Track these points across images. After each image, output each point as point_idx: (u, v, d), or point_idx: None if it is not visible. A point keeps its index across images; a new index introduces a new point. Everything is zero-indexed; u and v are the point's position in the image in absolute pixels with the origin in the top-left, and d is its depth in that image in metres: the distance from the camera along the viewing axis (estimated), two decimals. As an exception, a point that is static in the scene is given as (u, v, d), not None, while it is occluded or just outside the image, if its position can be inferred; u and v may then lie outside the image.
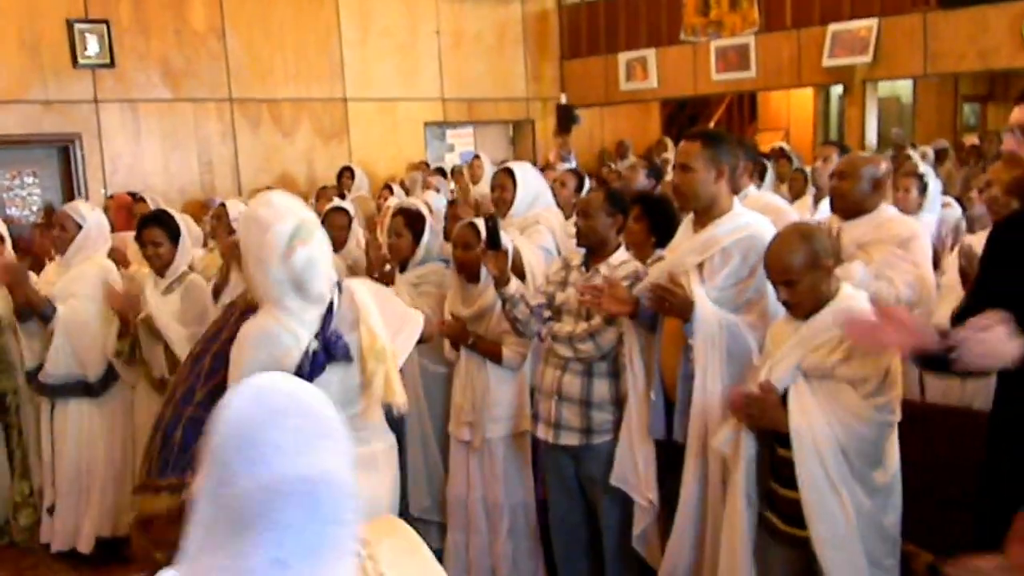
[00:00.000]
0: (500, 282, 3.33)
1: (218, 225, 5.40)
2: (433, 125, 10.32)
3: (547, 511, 3.58)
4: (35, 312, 4.07)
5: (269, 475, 1.00)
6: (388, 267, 3.92)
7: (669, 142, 9.31)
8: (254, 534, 1.00)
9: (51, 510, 4.23)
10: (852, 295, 2.54)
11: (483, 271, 3.56)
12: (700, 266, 2.87)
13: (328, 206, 5.08)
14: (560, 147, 5.30)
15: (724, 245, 2.83)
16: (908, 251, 3.26)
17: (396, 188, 7.11)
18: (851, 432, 2.40)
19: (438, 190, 7.02)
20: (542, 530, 3.67)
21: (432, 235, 3.95)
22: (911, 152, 6.95)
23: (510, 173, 4.30)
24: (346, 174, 8.43)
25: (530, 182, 4.30)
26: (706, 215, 2.89)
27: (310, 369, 2.34)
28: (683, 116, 12.62)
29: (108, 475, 4.17)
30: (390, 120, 9.74)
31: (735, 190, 3.06)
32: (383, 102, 9.66)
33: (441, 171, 8.80)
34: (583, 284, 3.14)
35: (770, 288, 2.71)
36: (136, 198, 7.01)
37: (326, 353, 2.36)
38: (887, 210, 3.42)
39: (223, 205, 5.53)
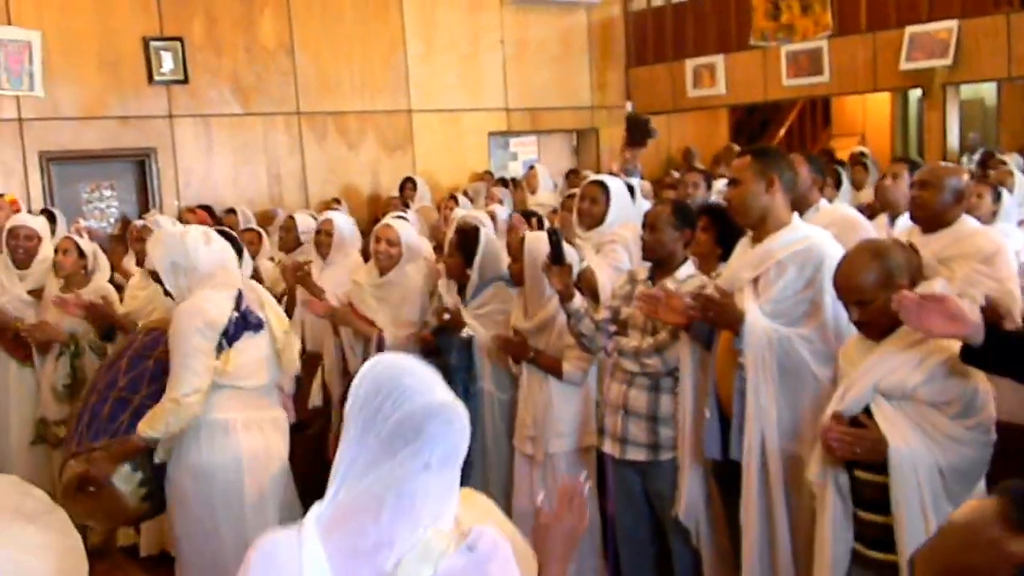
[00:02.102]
0: (564, 297, 3.30)
1: (287, 237, 5.48)
2: (497, 135, 10.32)
3: (614, 527, 3.51)
4: (125, 334, 4.17)
5: (418, 404, 1.41)
6: (450, 305, 3.89)
7: (737, 149, 9.11)
8: (409, 448, 1.38)
9: None
10: None
11: (543, 284, 3.53)
12: (756, 281, 2.82)
13: (389, 216, 5.10)
14: (627, 161, 5.15)
15: (779, 258, 2.78)
16: (992, 267, 3.12)
17: (462, 199, 7.08)
18: (950, 453, 2.30)
19: (501, 201, 6.98)
20: (608, 547, 3.60)
21: (487, 254, 3.87)
22: (1005, 158, 6.61)
23: (603, 186, 4.07)
24: (408, 185, 8.47)
25: (623, 198, 4.09)
26: (762, 229, 2.86)
27: (234, 332, 3.01)
28: (753, 122, 12.37)
29: None
30: (454, 131, 9.76)
31: (803, 205, 2.99)
32: (447, 113, 9.70)
33: (503, 181, 8.77)
34: (641, 292, 3.09)
35: (829, 300, 2.65)
36: (228, 211, 7.25)
37: (244, 321, 3.05)
38: (969, 222, 3.27)
39: (292, 218, 5.61)
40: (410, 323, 4.12)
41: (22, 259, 4.54)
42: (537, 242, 3.55)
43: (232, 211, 7.22)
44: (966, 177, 3.35)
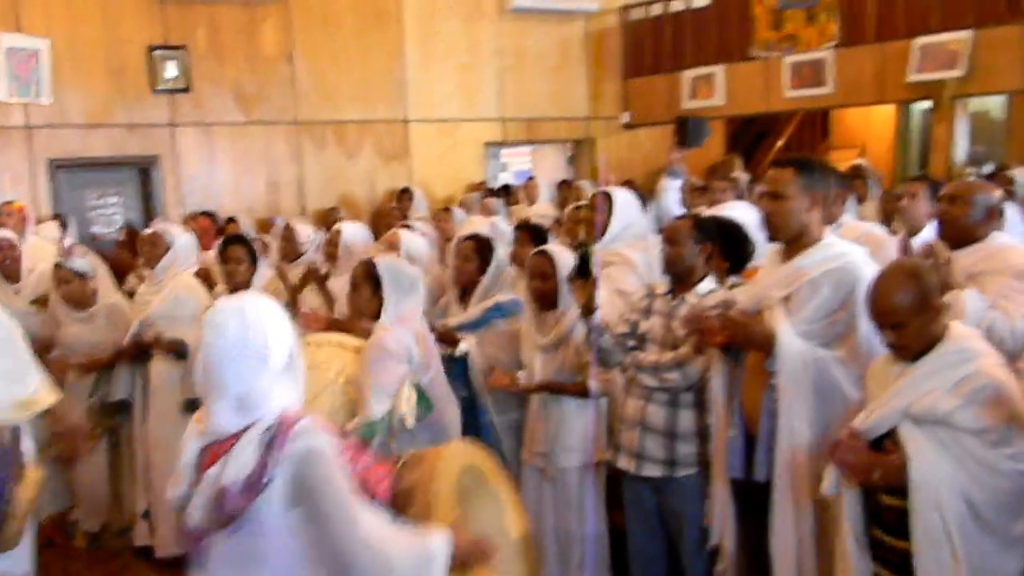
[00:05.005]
0: (586, 311, 3.24)
1: (287, 246, 5.43)
2: (493, 145, 10.26)
3: (621, 543, 3.49)
4: (174, 351, 4.15)
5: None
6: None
7: (738, 161, 9.06)
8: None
9: (145, 515, 4.34)
10: (964, 335, 2.36)
11: (561, 298, 3.51)
12: (788, 299, 2.72)
13: (398, 224, 5.14)
14: (674, 163, 4.96)
15: (812, 276, 2.69)
16: (1025, 283, 3.04)
17: (458, 211, 7.02)
18: (983, 485, 2.22)
19: (496, 213, 6.92)
20: (615, 562, 3.59)
21: (499, 267, 3.91)
22: (1014, 174, 6.55)
23: (608, 197, 4.05)
24: (405, 195, 8.41)
25: (628, 210, 4.05)
26: (795, 245, 2.75)
27: None
28: (750, 134, 12.33)
29: None
30: (450, 141, 9.71)
31: (829, 220, 2.93)
32: (443, 123, 9.65)
33: (496, 192, 8.68)
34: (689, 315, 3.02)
35: (863, 322, 2.56)
36: (228, 220, 7.21)
37: None
38: (999, 238, 3.17)
39: (290, 227, 5.55)
40: None
41: (11, 269, 4.49)
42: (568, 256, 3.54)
43: (232, 220, 7.18)
44: (998, 194, 3.26)
